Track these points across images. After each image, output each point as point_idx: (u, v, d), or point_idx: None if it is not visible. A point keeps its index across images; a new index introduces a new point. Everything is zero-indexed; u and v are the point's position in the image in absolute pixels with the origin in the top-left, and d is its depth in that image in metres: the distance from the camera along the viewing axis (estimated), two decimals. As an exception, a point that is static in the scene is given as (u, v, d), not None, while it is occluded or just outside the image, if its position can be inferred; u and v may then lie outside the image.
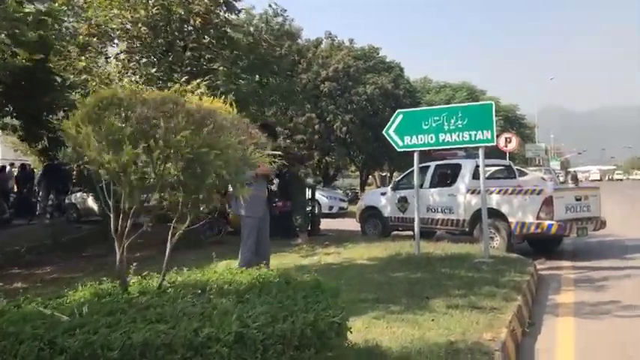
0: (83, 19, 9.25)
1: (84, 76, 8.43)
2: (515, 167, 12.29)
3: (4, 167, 18.60)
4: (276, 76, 11.57)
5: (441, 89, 41.35)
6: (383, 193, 12.18)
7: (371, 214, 12.27)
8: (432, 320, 4.64)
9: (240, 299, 2.88)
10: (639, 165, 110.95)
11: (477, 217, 9.31)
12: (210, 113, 2.90)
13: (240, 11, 10.65)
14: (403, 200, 11.26)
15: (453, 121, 7.71)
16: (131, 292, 3.11)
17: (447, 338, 4.11)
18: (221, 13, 10.03)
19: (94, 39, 8.66)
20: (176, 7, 9.21)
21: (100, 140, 2.69)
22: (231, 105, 3.53)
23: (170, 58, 9.54)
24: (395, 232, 11.78)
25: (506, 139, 24.65)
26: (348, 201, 22.64)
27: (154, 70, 9.44)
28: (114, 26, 9.16)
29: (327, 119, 25.41)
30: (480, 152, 7.80)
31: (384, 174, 36.42)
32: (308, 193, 13.04)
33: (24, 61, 7.71)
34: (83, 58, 8.36)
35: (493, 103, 7.66)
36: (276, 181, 13.37)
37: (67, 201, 16.53)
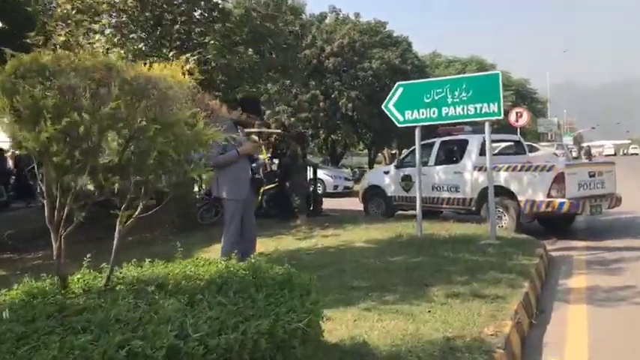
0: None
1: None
2: (525, 143, 11.70)
3: (1, 150, 18.31)
4: (273, 50, 11.02)
5: (450, 64, 40.37)
6: (386, 172, 11.70)
7: (374, 193, 11.82)
8: (429, 312, 4.21)
9: (192, 300, 2.46)
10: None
11: (484, 195, 8.80)
12: (152, 81, 2.43)
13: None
14: (407, 179, 10.78)
15: (456, 93, 7.18)
16: (73, 291, 2.70)
17: (443, 334, 3.67)
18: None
19: (74, 12, 8.16)
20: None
21: (16, 115, 2.25)
22: (189, 73, 3.11)
23: (158, 32, 9.05)
24: (400, 212, 11.34)
25: (517, 113, 23.94)
26: (355, 180, 22.18)
27: (142, 44, 8.97)
28: (100, -1, 8.67)
29: (333, 96, 24.79)
30: (486, 126, 7.27)
31: (393, 152, 35.79)
32: (310, 173, 12.62)
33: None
34: (63, 32, 7.89)
35: (500, 72, 7.10)
36: (276, 161, 12.98)
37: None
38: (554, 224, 9.57)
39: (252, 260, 3.32)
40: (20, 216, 13.58)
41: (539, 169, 8.65)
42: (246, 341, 2.03)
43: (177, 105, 2.56)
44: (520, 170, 8.85)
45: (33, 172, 16.91)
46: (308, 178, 12.68)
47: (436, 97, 7.33)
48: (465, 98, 7.12)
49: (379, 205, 11.70)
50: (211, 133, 2.64)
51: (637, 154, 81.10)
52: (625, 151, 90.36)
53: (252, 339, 2.05)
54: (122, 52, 8.60)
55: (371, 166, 30.77)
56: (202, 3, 9.36)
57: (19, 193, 16.66)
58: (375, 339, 3.61)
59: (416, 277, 5.36)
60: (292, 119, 24.11)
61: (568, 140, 48.29)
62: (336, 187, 19.26)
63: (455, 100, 7.18)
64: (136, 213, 2.83)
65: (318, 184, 18.93)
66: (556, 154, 23.24)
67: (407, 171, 10.74)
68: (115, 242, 2.80)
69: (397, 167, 11.22)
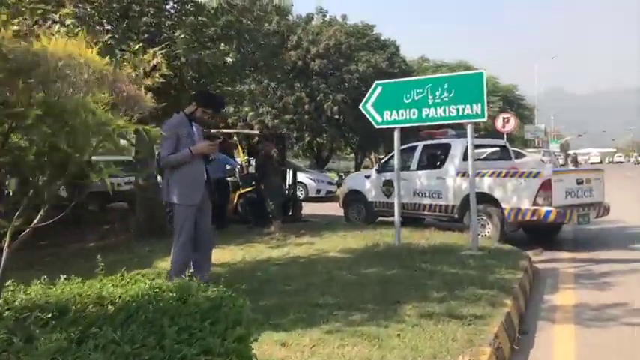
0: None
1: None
2: (510, 148, 11.29)
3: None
4: (250, 47, 10.48)
5: (438, 68, 40.07)
6: (367, 176, 11.23)
7: (355, 198, 11.34)
8: (399, 335, 3.72)
9: (85, 334, 1.94)
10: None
11: (467, 202, 8.32)
12: (40, 56, 1.93)
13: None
14: (388, 184, 10.31)
15: (438, 93, 6.73)
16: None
17: (411, 364, 3.20)
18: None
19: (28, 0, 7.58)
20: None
21: None
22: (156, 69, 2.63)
23: (125, 25, 8.49)
24: (381, 219, 10.87)
25: (504, 119, 23.69)
26: (339, 184, 21.67)
27: (108, 37, 8.40)
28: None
29: (318, 98, 24.29)
30: (469, 130, 6.82)
31: (381, 156, 35.37)
32: (289, 176, 12.12)
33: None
34: (16, 21, 7.30)
35: (484, 71, 6.65)
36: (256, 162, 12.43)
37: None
38: (539, 233, 9.16)
39: (188, 278, 2.82)
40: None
41: (524, 175, 8.23)
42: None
43: (78, 88, 2.06)
44: (505, 177, 8.43)
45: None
46: (287, 181, 12.19)
47: (416, 98, 6.87)
48: (447, 99, 6.67)
49: (360, 211, 11.23)
50: (123, 124, 2.14)
51: (622, 163, 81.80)
52: (610, 160, 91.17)
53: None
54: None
55: (358, 171, 30.29)
56: (174, -6, 8.83)
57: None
58: (332, 370, 3.12)
59: (388, 293, 4.87)
60: (276, 121, 23.58)
61: (555, 147, 48.26)
62: (318, 191, 18.76)
63: (436, 100, 6.73)
64: (34, 222, 2.31)
65: (300, 189, 18.52)
66: (543, 161, 22.93)
67: (388, 176, 10.27)
68: (2, 260, 2.27)
69: (378, 172, 10.76)
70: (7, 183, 2.01)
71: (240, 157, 12.61)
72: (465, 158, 8.84)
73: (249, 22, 9.88)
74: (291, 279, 5.58)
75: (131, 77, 2.48)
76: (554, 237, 9.27)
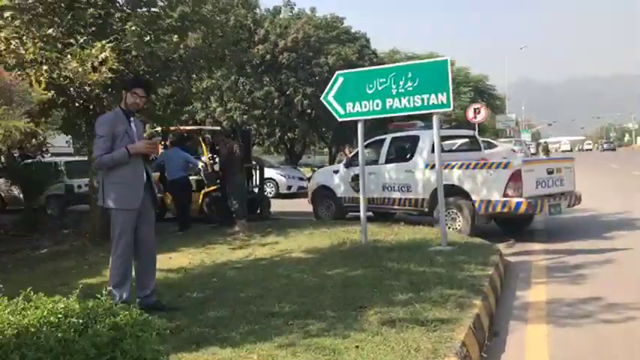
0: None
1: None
2: (480, 138, 11.06)
3: None
4: (207, 39, 9.95)
5: (409, 60, 39.95)
6: (335, 171, 10.89)
7: (324, 194, 10.98)
8: (357, 347, 3.37)
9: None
10: (607, 135, 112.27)
11: (437, 195, 8.08)
12: None
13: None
14: (357, 178, 9.93)
15: (401, 82, 6.40)
16: None
17: (367, 383, 2.85)
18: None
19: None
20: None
21: None
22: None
23: (70, 16, 7.95)
24: (352, 214, 10.52)
25: (475, 110, 23.66)
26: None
27: (52, 30, 7.87)
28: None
29: (288, 93, 23.80)
30: (434, 120, 6.51)
31: (355, 150, 35.01)
32: (256, 174, 11.71)
33: None
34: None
35: (449, 59, 6.34)
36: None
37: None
38: (512, 225, 8.95)
39: (103, 298, 2.41)
40: None
41: (494, 166, 7.98)
42: None
43: None
44: (474, 168, 8.17)
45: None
46: (255, 179, 11.77)
47: (380, 88, 6.53)
48: (411, 88, 6.34)
49: (329, 207, 10.88)
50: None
51: (591, 150, 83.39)
52: (580, 147, 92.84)
53: None
54: (27, 40, 7.49)
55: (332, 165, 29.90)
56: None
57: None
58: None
59: (350, 297, 4.53)
60: (245, 117, 23.06)
61: (526, 137, 48.76)
62: (289, 187, 18.33)
63: (400, 90, 6.40)
64: None
65: (271, 185, 18.10)
66: (514, 151, 22.96)
67: (357, 170, 9.90)
68: None
69: (346, 166, 10.42)
70: None
71: (205, 155, 12.12)
72: (433, 150, 8.55)
73: (209, 13, 9.39)
74: (248, 285, 5.20)
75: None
76: (526, 228, 9.07)
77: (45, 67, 7.48)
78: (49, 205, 13.43)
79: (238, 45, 11.34)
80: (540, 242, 8.08)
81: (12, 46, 7.37)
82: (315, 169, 27.30)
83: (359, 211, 9.96)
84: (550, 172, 8.17)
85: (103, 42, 7.46)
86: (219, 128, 12.11)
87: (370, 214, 10.42)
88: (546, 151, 39.71)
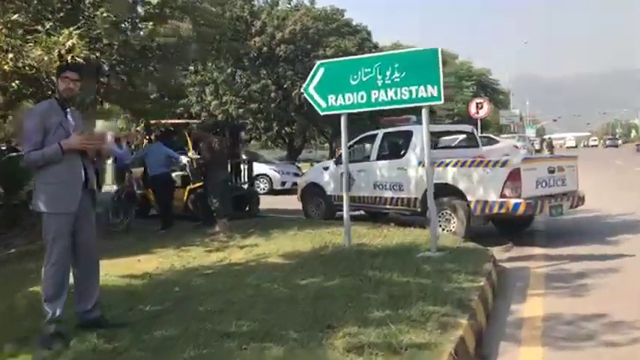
0: None
1: None
2: (479, 134, 10.49)
3: None
4: (199, 27, 9.40)
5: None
6: (326, 168, 10.36)
7: (314, 192, 10.46)
8: (315, 381, 2.86)
9: None
10: (613, 131, 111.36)
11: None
12: None
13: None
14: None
15: (388, 73, 5.85)
16: None
17: None
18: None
19: None
20: None
21: None
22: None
23: (37, 1, 7.44)
24: (341, 213, 10.00)
25: (477, 104, 22.97)
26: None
27: (17, 15, 7.35)
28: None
29: (285, 86, 23.28)
30: (424, 114, 5.95)
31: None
32: (244, 170, 11.21)
33: None
34: None
35: (439, 48, 5.77)
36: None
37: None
38: (510, 226, 8.41)
39: None
40: None
41: (491, 164, 7.44)
42: None
43: None
44: (470, 166, 7.62)
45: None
46: (243, 175, 11.27)
47: (364, 79, 5.99)
48: (398, 80, 5.79)
49: (319, 205, 10.36)
50: None
51: (597, 146, 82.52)
52: (585, 143, 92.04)
53: None
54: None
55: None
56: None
57: None
58: None
59: (321, 314, 3.99)
60: (241, 110, 22.54)
61: (531, 132, 47.99)
62: (283, 183, 17.80)
63: (386, 82, 5.85)
64: None
65: (264, 180, 17.59)
66: (517, 147, 22.33)
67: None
68: None
69: (337, 163, 9.87)
70: None
71: (190, 150, 11.61)
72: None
73: (200, 1, 8.86)
74: (212, 295, 4.69)
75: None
76: (525, 230, 8.53)
77: (10, 56, 7.00)
78: (30, 201, 12.95)
79: (236, 37, 10.80)
80: (540, 246, 7.54)
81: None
82: (315, 164, 26.81)
83: (350, 210, 9.52)
84: (551, 171, 7.63)
85: (71, 29, 6.96)
86: (199, 122, 11.55)
87: (362, 213, 9.95)
88: (550, 147, 39.06)
